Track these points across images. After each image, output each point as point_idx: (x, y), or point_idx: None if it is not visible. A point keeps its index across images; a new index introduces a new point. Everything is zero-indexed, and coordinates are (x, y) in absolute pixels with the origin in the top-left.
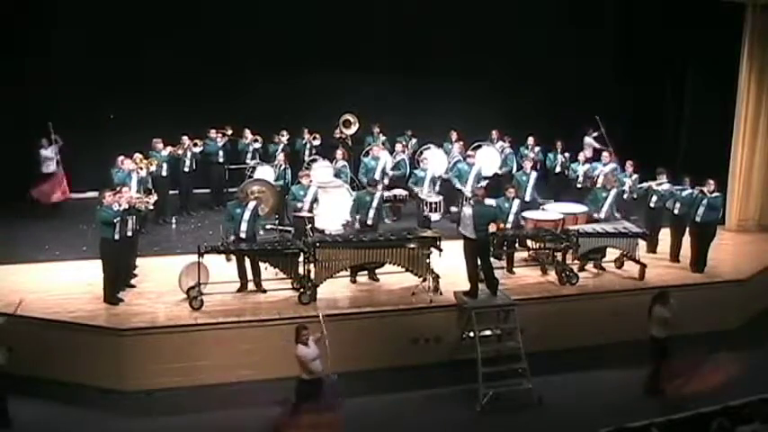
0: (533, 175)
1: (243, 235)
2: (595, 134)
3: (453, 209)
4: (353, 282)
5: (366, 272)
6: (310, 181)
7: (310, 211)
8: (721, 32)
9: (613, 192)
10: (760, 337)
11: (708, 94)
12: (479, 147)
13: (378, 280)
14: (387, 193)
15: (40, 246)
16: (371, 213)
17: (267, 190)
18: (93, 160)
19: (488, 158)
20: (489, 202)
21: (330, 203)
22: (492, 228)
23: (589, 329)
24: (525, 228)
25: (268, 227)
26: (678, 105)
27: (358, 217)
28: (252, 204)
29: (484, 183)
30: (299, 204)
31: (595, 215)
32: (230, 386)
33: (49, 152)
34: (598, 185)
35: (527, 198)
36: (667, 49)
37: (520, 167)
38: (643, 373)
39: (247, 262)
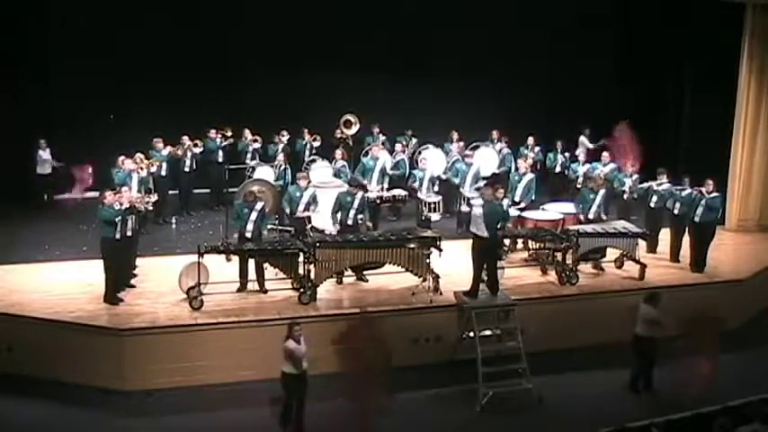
0: (528, 176)
1: (248, 234)
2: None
3: (464, 208)
4: (339, 283)
5: (354, 273)
6: (307, 183)
7: (307, 210)
8: (721, 32)
9: (601, 193)
10: (760, 337)
11: (708, 94)
12: (477, 147)
13: (366, 280)
14: (386, 194)
15: (40, 246)
16: (352, 214)
17: (267, 190)
18: (93, 160)
19: (486, 158)
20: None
21: (329, 204)
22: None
23: (589, 329)
24: (524, 227)
25: (268, 227)
26: (678, 105)
27: (339, 217)
28: (259, 205)
29: (482, 182)
30: (295, 207)
31: (581, 216)
32: (230, 386)
33: (46, 154)
34: (587, 186)
35: (517, 198)
36: (667, 49)
37: (518, 167)
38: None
39: (251, 262)
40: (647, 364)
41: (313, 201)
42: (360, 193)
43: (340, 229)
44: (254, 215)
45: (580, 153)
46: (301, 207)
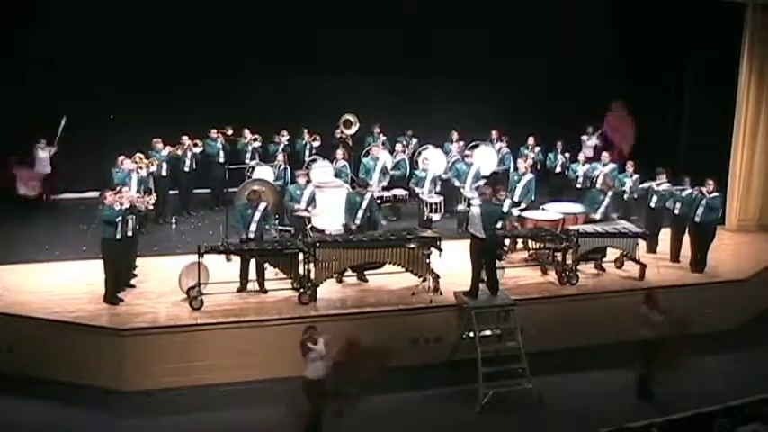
0: (527, 176)
1: (251, 235)
2: (597, 134)
3: (460, 207)
4: (339, 281)
5: (355, 273)
6: (307, 181)
7: (307, 210)
8: (721, 32)
9: (610, 194)
10: (760, 337)
11: (708, 95)
12: (477, 146)
13: (366, 280)
14: (386, 194)
15: (40, 246)
16: (360, 214)
17: (267, 190)
18: (93, 160)
19: (486, 158)
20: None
21: (330, 203)
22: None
23: (589, 329)
24: (524, 227)
25: (268, 227)
26: (678, 105)
27: (356, 216)
28: (262, 205)
29: (482, 182)
30: (296, 205)
31: (592, 215)
32: (230, 386)
33: (45, 153)
34: (597, 186)
35: (517, 198)
36: (667, 49)
37: (517, 168)
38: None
39: (252, 262)
40: (652, 366)
41: (311, 200)
42: (368, 194)
43: (348, 230)
44: (257, 215)
45: (582, 154)
46: (302, 205)
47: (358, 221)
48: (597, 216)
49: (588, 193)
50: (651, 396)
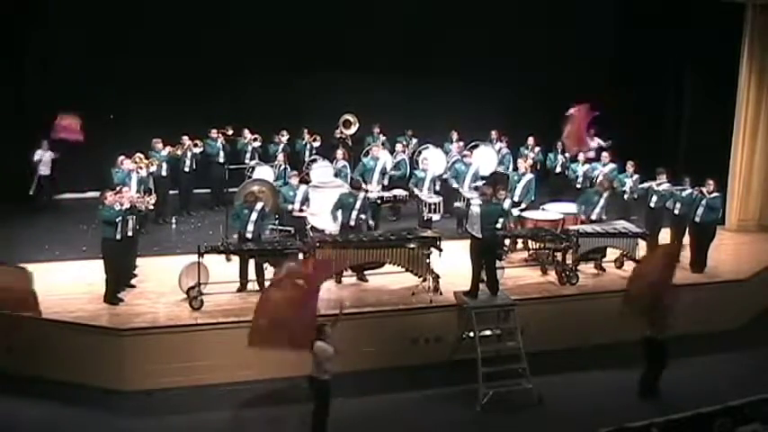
0: (527, 176)
1: (249, 235)
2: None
3: (457, 204)
4: (338, 282)
5: (354, 273)
6: (300, 181)
7: (301, 210)
8: (721, 32)
9: (606, 195)
10: (760, 337)
11: (708, 94)
12: (476, 146)
13: (366, 280)
14: (386, 194)
15: (40, 246)
16: (353, 215)
17: (267, 190)
18: (93, 160)
19: (485, 158)
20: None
21: (329, 204)
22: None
23: (589, 329)
24: (524, 227)
25: (269, 227)
26: (678, 105)
27: (339, 217)
28: (259, 205)
29: (481, 182)
30: (290, 206)
31: (582, 216)
32: (230, 386)
33: (46, 156)
34: (596, 186)
35: (516, 198)
36: (667, 49)
37: (517, 168)
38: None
39: (251, 262)
40: (658, 366)
41: (305, 200)
42: (361, 194)
43: (341, 229)
44: (254, 216)
45: (582, 154)
46: (296, 206)
47: (352, 222)
48: (593, 217)
49: (583, 192)
50: (656, 394)
